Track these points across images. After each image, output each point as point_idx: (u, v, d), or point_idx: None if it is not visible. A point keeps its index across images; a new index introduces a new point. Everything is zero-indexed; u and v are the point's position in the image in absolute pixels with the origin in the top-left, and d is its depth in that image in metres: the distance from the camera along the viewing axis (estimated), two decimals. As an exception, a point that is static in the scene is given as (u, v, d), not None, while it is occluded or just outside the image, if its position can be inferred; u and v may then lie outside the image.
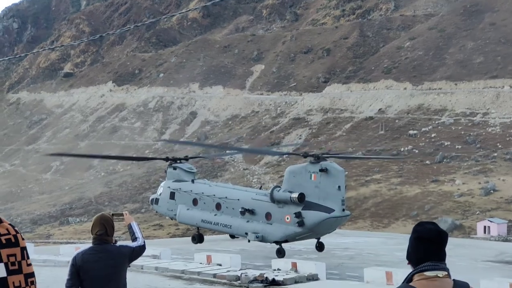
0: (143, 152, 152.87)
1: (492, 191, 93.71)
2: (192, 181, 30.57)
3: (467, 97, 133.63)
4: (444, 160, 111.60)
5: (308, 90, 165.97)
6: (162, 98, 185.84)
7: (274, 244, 28.18)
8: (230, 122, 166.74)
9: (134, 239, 8.21)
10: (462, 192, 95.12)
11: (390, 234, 60.56)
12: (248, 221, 27.63)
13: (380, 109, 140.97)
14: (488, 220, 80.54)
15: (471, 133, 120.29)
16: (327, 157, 27.12)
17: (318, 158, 26.22)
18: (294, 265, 26.53)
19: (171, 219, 32.33)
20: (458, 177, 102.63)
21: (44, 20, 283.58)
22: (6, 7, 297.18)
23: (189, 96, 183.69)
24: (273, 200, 26.55)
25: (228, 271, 26.21)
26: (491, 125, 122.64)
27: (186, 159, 32.21)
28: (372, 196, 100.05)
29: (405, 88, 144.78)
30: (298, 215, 25.64)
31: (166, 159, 32.06)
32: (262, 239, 27.40)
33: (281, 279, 24.33)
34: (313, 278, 25.42)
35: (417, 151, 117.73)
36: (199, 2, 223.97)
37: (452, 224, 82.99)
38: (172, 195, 30.76)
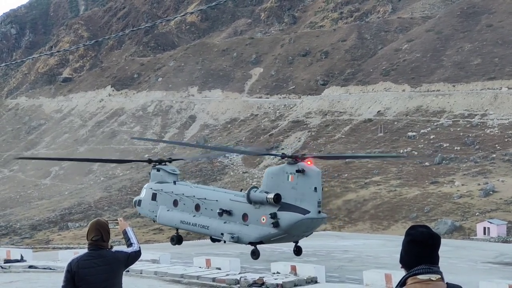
0: (142, 157, 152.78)
1: (491, 192, 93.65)
2: (174, 182, 30.53)
3: (465, 98, 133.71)
4: (443, 161, 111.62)
5: (307, 92, 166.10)
6: (161, 102, 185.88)
7: (249, 245, 27.95)
8: (229, 126, 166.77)
9: (129, 244, 8.19)
10: (462, 194, 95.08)
11: (389, 236, 60.61)
12: (225, 222, 27.48)
13: (378, 111, 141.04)
14: (488, 221, 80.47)
15: (470, 135, 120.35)
16: (307, 158, 26.74)
17: (296, 159, 26.00)
18: (293, 268, 26.53)
19: (153, 221, 32.14)
20: (457, 178, 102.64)
21: (42, 25, 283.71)
22: (4, 13, 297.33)
23: (188, 100, 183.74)
24: (249, 201, 26.40)
25: (228, 275, 26.22)
26: (490, 126, 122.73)
27: (170, 161, 32.17)
28: (371, 198, 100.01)
29: (403, 90, 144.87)
30: (273, 216, 25.44)
31: (149, 161, 32.03)
32: (238, 240, 27.20)
33: (281, 282, 24.33)
34: (312, 281, 25.41)
35: (416, 152, 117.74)
36: (197, 6, 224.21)
37: (451, 226, 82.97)
38: (154, 196, 30.72)
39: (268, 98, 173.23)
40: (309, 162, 25.71)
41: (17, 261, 31.25)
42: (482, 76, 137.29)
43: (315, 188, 24.97)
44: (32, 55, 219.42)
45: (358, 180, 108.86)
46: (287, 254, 34.16)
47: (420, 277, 4.52)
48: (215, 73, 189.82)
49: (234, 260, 29.25)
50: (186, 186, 30.51)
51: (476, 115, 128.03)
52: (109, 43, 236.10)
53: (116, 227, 8.40)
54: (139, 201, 31.67)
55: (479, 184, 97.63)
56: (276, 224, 25.38)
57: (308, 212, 24.99)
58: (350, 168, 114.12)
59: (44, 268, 29.18)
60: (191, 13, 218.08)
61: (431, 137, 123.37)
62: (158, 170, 30.91)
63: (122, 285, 8.04)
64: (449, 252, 37.55)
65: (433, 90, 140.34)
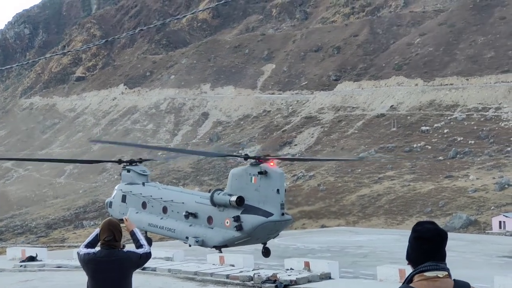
0: (155, 155, 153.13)
1: (506, 185, 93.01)
2: (143, 184, 30.31)
3: (479, 92, 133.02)
4: (457, 155, 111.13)
5: (319, 88, 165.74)
6: (173, 100, 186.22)
7: (213, 249, 27.81)
8: (242, 122, 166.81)
9: (139, 246, 8.18)
10: (476, 188, 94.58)
11: (404, 231, 60.37)
12: (191, 225, 27.27)
13: (391, 106, 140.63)
14: (503, 215, 79.95)
15: (484, 128, 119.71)
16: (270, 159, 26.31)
17: (258, 160, 25.65)
18: (307, 264, 26.53)
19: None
20: (472, 172, 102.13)
21: (55, 25, 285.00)
22: (17, 13, 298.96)
23: (201, 97, 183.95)
24: (213, 203, 26.21)
25: (241, 271, 26.28)
26: (504, 119, 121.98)
27: (140, 161, 31.92)
28: (385, 193, 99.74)
29: (416, 84, 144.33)
30: (236, 219, 25.20)
31: (119, 162, 31.76)
32: (202, 243, 27.01)
33: (294, 278, 24.35)
34: (326, 277, 25.41)
35: (430, 147, 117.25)
36: (209, 3, 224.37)
37: (467, 220, 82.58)
38: (124, 198, 30.42)
39: (280, 94, 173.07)
40: (271, 164, 25.37)
41: (32, 258, 31.47)
42: (496, 69, 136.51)
43: (278, 190, 24.60)
44: (45, 54, 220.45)
45: (371, 175, 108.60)
46: (301, 250, 34.19)
47: (427, 274, 4.52)
48: (227, 70, 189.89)
49: (247, 257, 29.32)
50: (154, 188, 30.15)
51: (490, 108, 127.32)
52: (121, 41, 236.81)
53: (123, 225, 8.44)
54: (110, 202, 31.44)
55: (494, 178, 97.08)
56: (239, 227, 25.11)
57: (271, 214, 24.64)
58: (363, 163, 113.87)
59: (59, 267, 29.38)
60: (203, 10, 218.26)
61: (445, 131, 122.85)
62: (128, 171, 30.56)
63: (133, 285, 8.10)
64: (464, 246, 37.40)
65: (446, 84, 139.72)
